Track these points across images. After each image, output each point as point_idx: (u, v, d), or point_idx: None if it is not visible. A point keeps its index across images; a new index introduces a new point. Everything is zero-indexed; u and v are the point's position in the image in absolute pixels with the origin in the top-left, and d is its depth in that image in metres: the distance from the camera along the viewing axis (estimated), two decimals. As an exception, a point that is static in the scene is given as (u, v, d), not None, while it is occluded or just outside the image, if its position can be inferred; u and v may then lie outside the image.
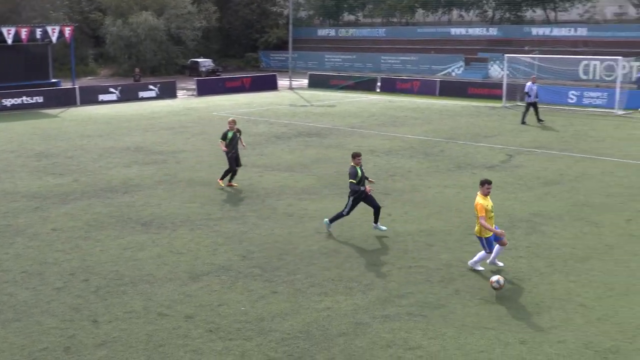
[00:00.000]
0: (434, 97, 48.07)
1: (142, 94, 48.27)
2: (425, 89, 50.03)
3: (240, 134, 21.35)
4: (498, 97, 44.11)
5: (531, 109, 34.66)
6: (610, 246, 15.42)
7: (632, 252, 14.99)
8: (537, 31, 61.94)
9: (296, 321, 11.69)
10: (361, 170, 15.92)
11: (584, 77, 52.05)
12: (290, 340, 11.00)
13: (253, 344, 10.89)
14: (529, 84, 35.15)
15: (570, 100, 41.50)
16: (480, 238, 13.64)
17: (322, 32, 79.15)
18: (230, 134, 20.96)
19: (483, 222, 13.25)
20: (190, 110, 41.14)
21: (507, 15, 70.89)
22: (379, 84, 53.42)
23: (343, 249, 15.39)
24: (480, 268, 13.96)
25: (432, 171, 23.41)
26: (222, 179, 21.37)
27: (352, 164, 15.89)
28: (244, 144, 21.94)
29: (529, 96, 34.63)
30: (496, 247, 13.73)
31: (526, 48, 54.58)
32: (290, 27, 58.29)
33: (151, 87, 49.22)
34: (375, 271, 13.97)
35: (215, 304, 12.39)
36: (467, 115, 38.19)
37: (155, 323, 11.63)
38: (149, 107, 42.80)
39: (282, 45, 76.57)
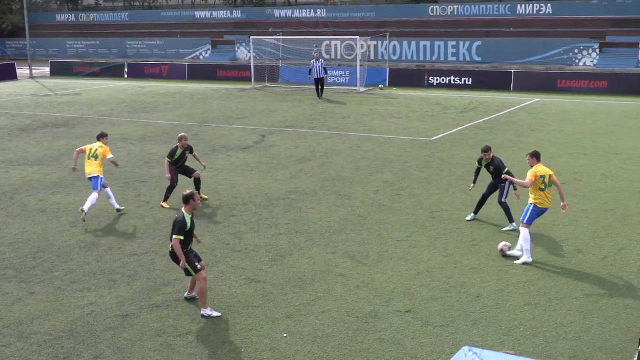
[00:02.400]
0: (183, 81, 47.83)
1: None
2: (174, 73, 49.64)
3: (191, 152, 17.69)
4: (247, 79, 44.82)
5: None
6: (362, 216, 16.27)
7: (382, 221, 15.94)
8: (280, 13, 63.44)
9: (58, 320, 11.19)
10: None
11: (327, 57, 54.12)
12: (53, 341, 10.52)
13: (13, 350, 10.28)
14: (312, 61, 36.51)
15: (315, 80, 43.01)
16: None
17: (61, 16, 75.50)
18: (179, 152, 17.31)
19: None
20: None
21: (250, -3, 71.97)
22: (126, 69, 52.16)
23: (102, 241, 14.93)
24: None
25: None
26: (164, 200, 17.58)
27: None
28: (202, 163, 18.42)
29: (311, 73, 36.77)
30: None
31: (270, 30, 55.72)
32: (25, 12, 55.13)
33: None
34: (138, 261, 13.71)
35: (-34, 312, 11.54)
36: (218, 98, 38.41)
37: None
38: None
39: (18, 32, 72.28)
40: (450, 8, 55.56)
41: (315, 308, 11.49)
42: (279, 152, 23.63)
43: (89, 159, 16.42)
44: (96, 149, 16.42)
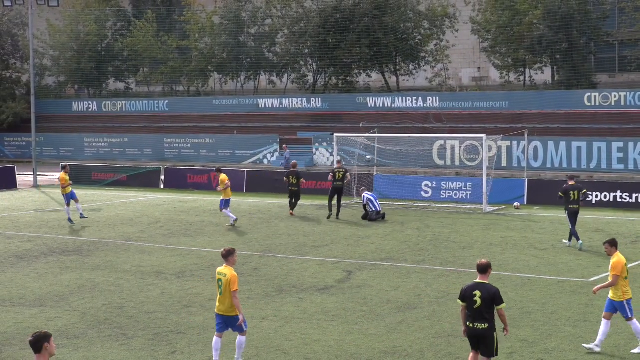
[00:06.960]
0: (240, 195, 48.42)
1: None
2: (228, 183, 50.47)
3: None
4: (325, 192, 45.03)
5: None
6: (489, 391, 15.94)
7: (519, 398, 15.59)
8: (375, 102, 63.87)
9: None
10: None
11: (440, 163, 54.29)
12: None
13: None
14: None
15: (424, 194, 43.15)
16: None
17: (80, 105, 77.49)
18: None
19: None
20: None
21: (334, 81, 72.87)
22: (162, 177, 53.40)
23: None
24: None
25: (244, 297, 23.41)
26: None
27: None
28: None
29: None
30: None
31: (362, 125, 56.20)
32: (33, 98, 57.33)
33: None
34: None
35: None
36: (288, 218, 38.76)
37: None
38: None
39: (21, 126, 74.74)
40: (615, 96, 55.37)
41: None
42: (371, 295, 23.55)
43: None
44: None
